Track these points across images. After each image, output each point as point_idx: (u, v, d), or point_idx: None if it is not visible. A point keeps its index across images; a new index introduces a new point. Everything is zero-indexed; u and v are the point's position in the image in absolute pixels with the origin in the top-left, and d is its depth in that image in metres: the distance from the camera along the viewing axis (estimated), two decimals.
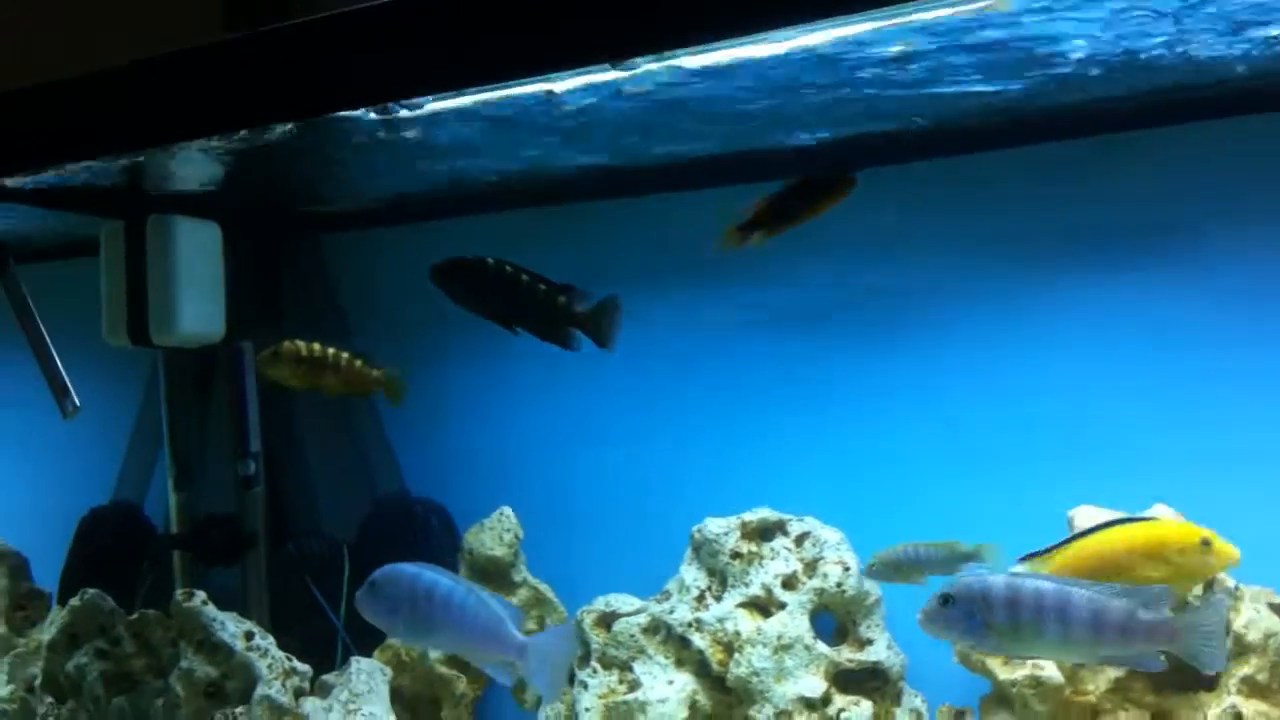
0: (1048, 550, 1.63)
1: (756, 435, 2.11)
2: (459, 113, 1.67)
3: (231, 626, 2.10)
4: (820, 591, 1.96)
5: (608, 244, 2.26)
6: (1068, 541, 1.64)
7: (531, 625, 2.13)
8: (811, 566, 1.98)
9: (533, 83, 1.53)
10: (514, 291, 1.92)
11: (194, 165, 2.00)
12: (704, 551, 2.03)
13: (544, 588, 2.20)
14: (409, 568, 1.69)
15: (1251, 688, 1.74)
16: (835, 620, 1.99)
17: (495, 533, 2.15)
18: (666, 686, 1.98)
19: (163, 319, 2.12)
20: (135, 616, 2.20)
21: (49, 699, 2.22)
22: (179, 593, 2.13)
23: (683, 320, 2.18)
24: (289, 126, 1.68)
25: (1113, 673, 1.81)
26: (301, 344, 2.04)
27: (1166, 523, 1.67)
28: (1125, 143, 1.87)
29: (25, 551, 2.53)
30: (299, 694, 2.08)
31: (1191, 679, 1.78)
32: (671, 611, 2.02)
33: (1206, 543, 1.59)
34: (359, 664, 2.08)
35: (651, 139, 1.91)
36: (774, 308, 2.08)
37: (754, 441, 2.11)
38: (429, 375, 2.36)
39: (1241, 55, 1.58)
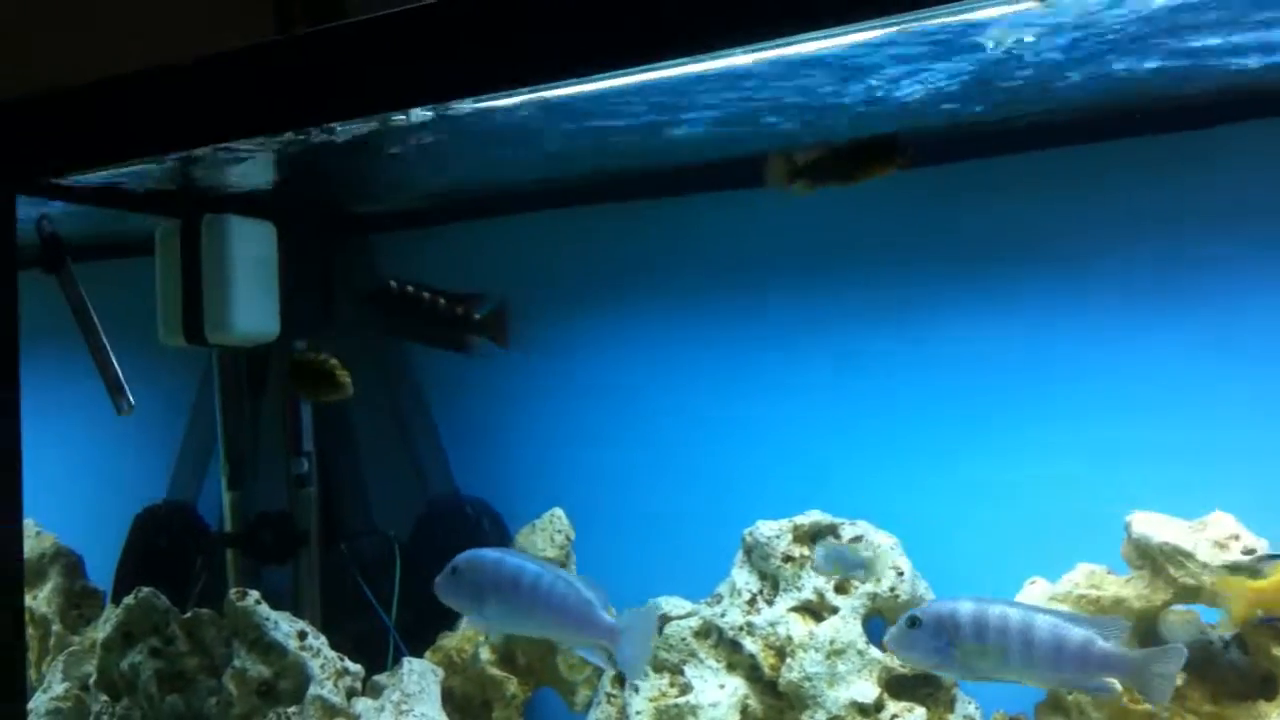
0: None
1: (810, 436, 2.10)
2: (510, 110, 1.67)
3: (285, 626, 2.11)
4: (873, 596, 1.94)
5: (646, 244, 2.26)
6: None
7: None
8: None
9: (592, 80, 1.53)
10: (418, 309, 2.06)
11: (248, 165, 2.02)
12: (755, 555, 2.01)
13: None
14: (491, 553, 1.71)
15: None
16: (887, 625, 1.97)
17: (547, 534, 2.15)
18: (718, 690, 1.97)
19: (218, 318, 2.13)
20: (189, 615, 2.22)
21: (103, 697, 2.24)
22: (232, 592, 2.14)
23: (733, 320, 2.18)
24: (341, 126, 1.69)
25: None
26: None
27: None
28: None
29: (80, 550, 2.56)
30: (351, 694, 2.09)
31: (1252, 687, 1.76)
32: (723, 615, 2.00)
33: None
34: (411, 664, 2.08)
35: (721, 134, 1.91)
36: (831, 307, 2.07)
37: (807, 443, 2.10)
38: (480, 376, 2.37)
39: None
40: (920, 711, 1.89)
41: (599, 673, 2.10)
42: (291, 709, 2.06)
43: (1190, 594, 1.76)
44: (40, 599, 2.54)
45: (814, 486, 2.05)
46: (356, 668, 2.11)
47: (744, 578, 2.02)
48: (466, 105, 1.61)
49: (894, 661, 1.92)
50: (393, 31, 1.56)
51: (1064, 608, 1.81)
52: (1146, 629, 1.80)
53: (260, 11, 2.09)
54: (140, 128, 1.83)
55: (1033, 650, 1.55)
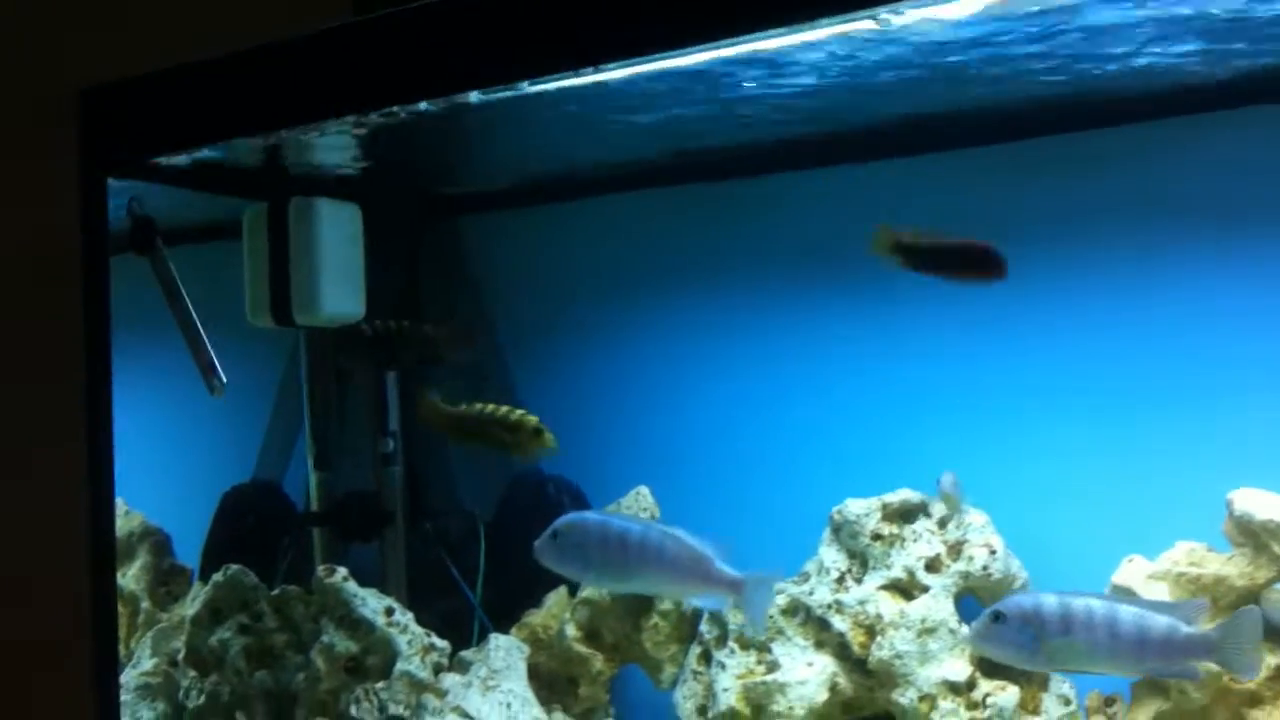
0: None
1: (899, 413, 2.08)
2: (604, 87, 1.67)
3: (372, 603, 2.13)
4: (965, 575, 1.92)
5: (738, 225, 2.25)
6: None
7: (668, 604, 2.12)
8: (955, 549, 1.95)
9: (677, 55, 1.52)
10: (390, 341, 2.23)
11: (334, 147, 2.04)
12: (844, 533, 2.00)
13: None
14: (593, 515, 1.75)
15: None
16: (980, 604, 1.95)
17: (631, 511, 2.15)
18: (806, 668, 1.96)
19: (305, 299, 2.15)
20: (276, 592, 2.25)
21: (192, 672, 2.27)
22: (321, 569, 2.16)
23: (821, 299, 2.16)
24: (427, 106, 1.69)
25: (1273, 659, 1.76)
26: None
27: None
28: None
29: (167, 529, 2.60)
30: (438, 670, 2.11)
31: None
32: (811, 593, 1.99)
33: None
34: (497, 640, 2.10)
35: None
36: (919, 285, 2.05)
37: (896, 421, 2.09)
38: (565, 354, 2.38)
39: None
40: (1013, 690, 1.87)
41: (685, 650, 2.10)
42: (379, 684, 2.08)
43: None
44: (129, 577, 2.58)
45: (903, 465, 2.03)
46: (443, 644, 2.12)
47: (832, 556, 2.01)
48: (551, 85, 1.61)
49: None
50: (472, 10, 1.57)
51: (1163, 586, 1.78)
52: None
53: None
54: (228, 109, 1.85)
55: (1118, 642, 1.55)
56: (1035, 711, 1.88)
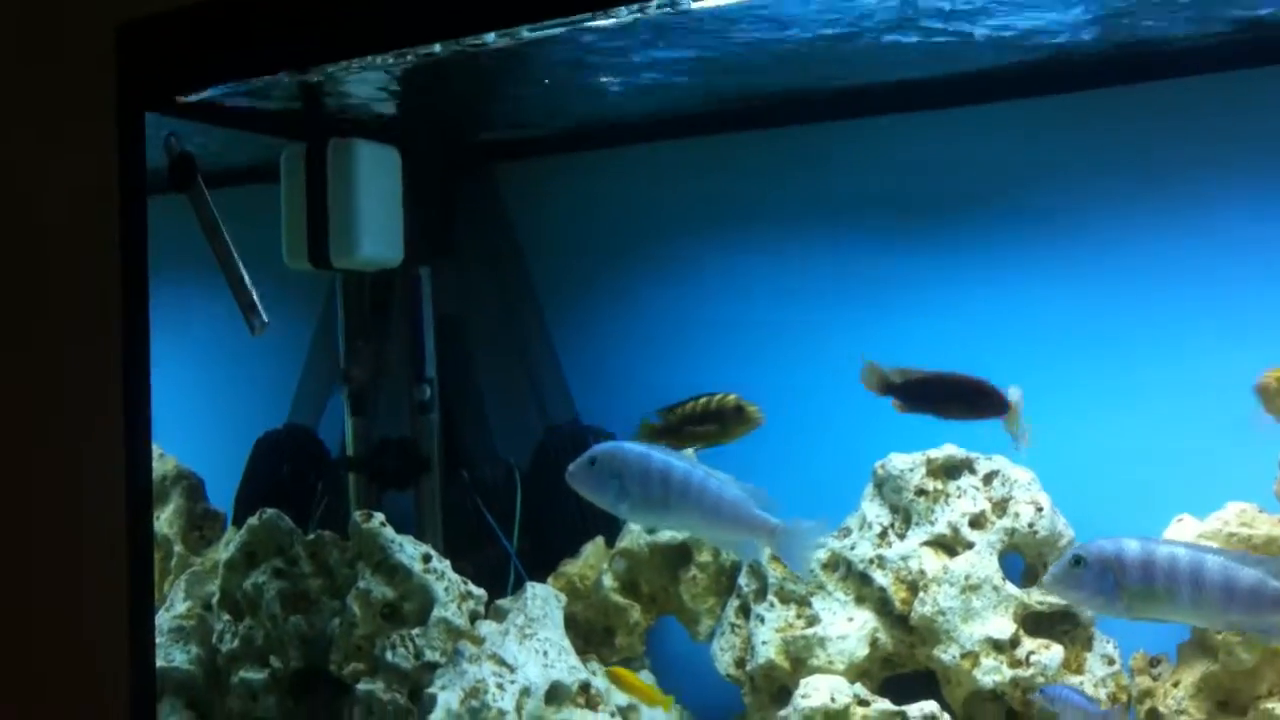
0: None
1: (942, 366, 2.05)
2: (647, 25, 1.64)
3: (410, 549, 2.11)
4: (1010, 532, 1.90)
5: (780, 175, 2.21)
6: None
7: (706, 556, 2.11)
8: (1001, 506, 1.92)
9: None
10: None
11: (373, 87, 2.01)
12: (887, 488, 1.98)
13: None
14: (634, 446, 1.68)
15: None
16: (1025, 561, 1.93)
17: None
18: (846, 623, 1.94)
19: (343, 242, 2.12)
20: (312, 538, 2.24)
21: (226, 616, 2.27)
22: (358, 514, 2.15)
23: (856, 249, 2.13)
24: (465, 44, 1.66)
25: None
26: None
27: None
28: None
29: (201, 473, 2.59)
30: (474, 617, 2.10)
31: None
32: (852, 548, 1.97)
33: None
34: (534, 589, 2.08)
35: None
36: (978, 239, 2.02)
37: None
38: (603, 304, 2.35)
39: None
40: (1057, 649, 1.85)
41: (723, 603, 2.09)
42: (415, 630, 2.07)
43: None
44: (162, 521, 2.57)
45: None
46: (480, 592, 2.11)
47: (874, 511, 1.99)
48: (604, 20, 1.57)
49: (1031, 599, 1.88)
50: None
51: (1213, 546, 1.75)
52: None
53: None
54: (266, 45, 1.82)
55: (1202, 592, 1.49)
56: (1079, 670, 1.87)
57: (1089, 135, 1.97)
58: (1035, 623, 1.89)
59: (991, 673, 1.84)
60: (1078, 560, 1.55)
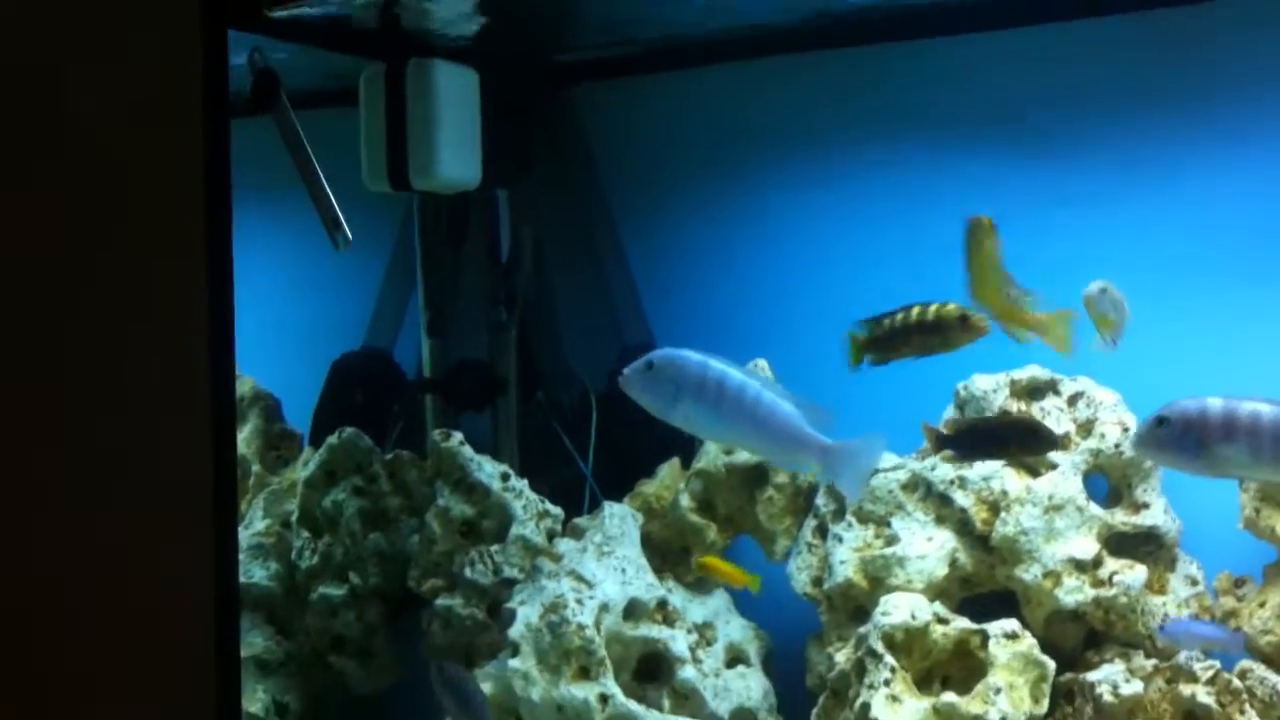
0: None
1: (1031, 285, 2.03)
2: None
3: (488, 467, 2.13)
4: (1095, 452, 1.89)
5: (864, 95, 2.19)
6: None
7: (783, 477, 2.10)
8: (1086, 427, 1.91)
9: None
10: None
11: (453, 9, 2.00)
12: (969, 409, 1.97)
13: None
14: (693, 353, 1.62)
15: None
16: (1109, 483, 1.92)
17: None
18: (925, 543, 1.94)
19: (422, 163, 2.13)
20: (390, 456, 2.26)
21: (305, 533, 2.30)
22: (436, 432, 2.17)
23: (924, 175, 2.11)
24: None
25: None
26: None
27: None
28: None
29: (277, 394, 2.61)
30: (551, 536, 2.12)
31: None
32: (933, 469, 1.97)
33: None
34: (612, 508, 2.09)
35: None
36: (1062, 155, 1.99)
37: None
38: (679, 227, 2.34)
39: None
40: (1140, 570, 1.84)
41: (799, 523, 2.09)
42: (494, 548, 2.09)
43: None
44: (240, 440, 2.60)
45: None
46: (557, 510, 2.13)
47: None
48: None
49: (1114, 519, 1.87)
50: None
51: None
52: None
53: None
54: None
55: None
56: (1161, 591, 1.86)
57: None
58: (1119, 543, 1.88)
59: (1074, 592, 1.83)
60: (1161, 420, 1.51)
